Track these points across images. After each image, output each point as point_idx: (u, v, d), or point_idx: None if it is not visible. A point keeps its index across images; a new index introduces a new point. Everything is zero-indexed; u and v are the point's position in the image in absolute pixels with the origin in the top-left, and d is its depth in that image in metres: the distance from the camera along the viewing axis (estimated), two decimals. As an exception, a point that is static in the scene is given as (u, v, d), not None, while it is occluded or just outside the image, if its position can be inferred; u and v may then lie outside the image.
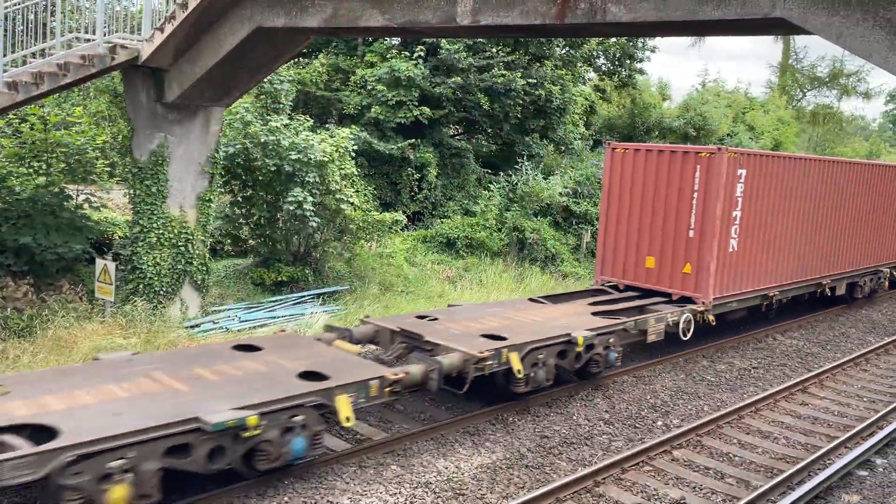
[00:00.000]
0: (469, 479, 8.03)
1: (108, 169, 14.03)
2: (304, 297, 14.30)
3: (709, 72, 74.39)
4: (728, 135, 29.65)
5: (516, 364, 9.46)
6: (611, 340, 11.03)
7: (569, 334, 10.31)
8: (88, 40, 11.30)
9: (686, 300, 13.10)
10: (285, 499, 7.32)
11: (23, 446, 5.99)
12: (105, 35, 11.21)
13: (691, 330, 12.73)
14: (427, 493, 7.66)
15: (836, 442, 9.43)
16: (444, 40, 19.51)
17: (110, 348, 10.54)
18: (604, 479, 8.17)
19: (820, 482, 8.17)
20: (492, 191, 20.52)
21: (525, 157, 22.07)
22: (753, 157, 13.78)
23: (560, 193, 20.61)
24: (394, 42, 20.65)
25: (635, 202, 13.67)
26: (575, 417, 10.08)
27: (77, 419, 6.50)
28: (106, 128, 14.48)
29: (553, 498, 7.59)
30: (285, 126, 14.36)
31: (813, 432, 10.14)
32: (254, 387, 7.59)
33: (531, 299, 12.91)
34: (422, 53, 19.40)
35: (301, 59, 22.40)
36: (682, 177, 13.05)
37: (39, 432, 6.36)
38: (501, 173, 21.70)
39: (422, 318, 10.82)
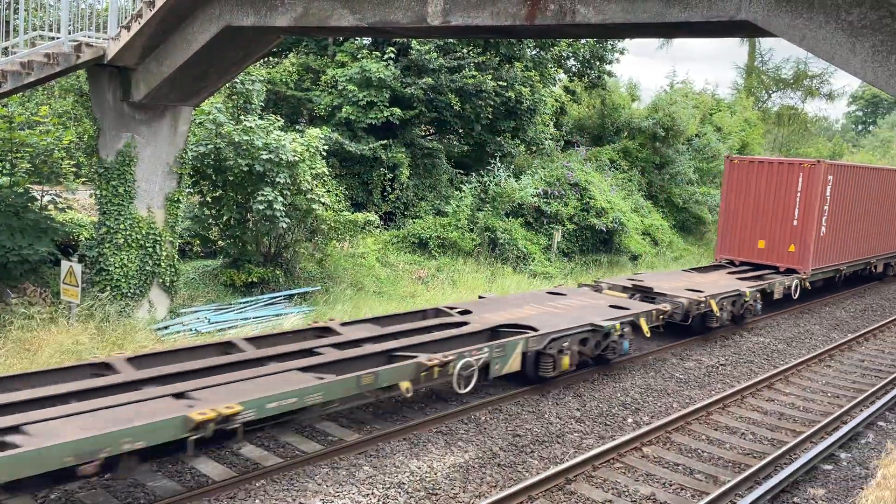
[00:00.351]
0: (442, 479, 8.04)
1: (73, 169, 13.78)
2: (275, 298, 14.19)
3: (677, 73, 75.24)
4: (696, 135, 29.92)
5: (715, 307, 14.00)
6: (757, 296, 15.69)
7: (738, 289, 15.02)
8: (53, 38, 11.10)
9: (790, 271, 17.94)
10: (256, 502, 7.27)
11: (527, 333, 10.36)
12: (70, 33, 11.01)
13: (798, 292, 17.72)
14: (400, 493, 7.66)
15: (801, 437, 9.62)
16: (414, 41, 19.48)
17: (76, 351, 10.37)
18: (575, 476, 8.24)
19: (786, 477, 8.33)
20: (463, 191, 20.52)
21: (497, 158, 22.11)
22: (839, 167, 18.94)
23: (531, 195, 20.71)
24: (364, 42, 20.56)
25: (749, 200, 18.43)
26: (547, 416, 10.14)
27: (532, 322, 10.77)
28: (72, 127, 14.21)
29: (525, 496, 7.64)
30: (258, 126, 14.22)
31: (779, 428, 10.33)
32: (595, 311, 11.88)
33: (684, 270, 18.05)
34: (392, 54, 19.34)
35: (271, 59, 22.19)
36: (789, 181, 17.78)
37: (509, 328, 10.62)
38: (473, 174, 21.71)
39: (631, 279, 15.12)
